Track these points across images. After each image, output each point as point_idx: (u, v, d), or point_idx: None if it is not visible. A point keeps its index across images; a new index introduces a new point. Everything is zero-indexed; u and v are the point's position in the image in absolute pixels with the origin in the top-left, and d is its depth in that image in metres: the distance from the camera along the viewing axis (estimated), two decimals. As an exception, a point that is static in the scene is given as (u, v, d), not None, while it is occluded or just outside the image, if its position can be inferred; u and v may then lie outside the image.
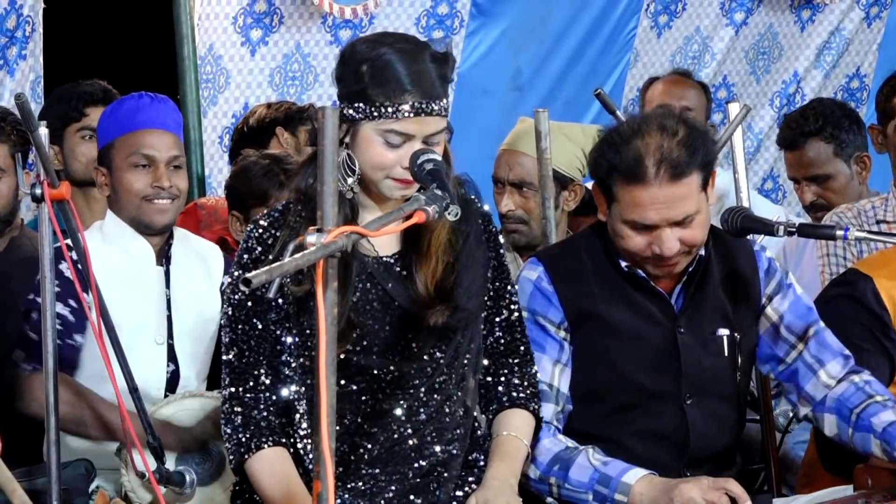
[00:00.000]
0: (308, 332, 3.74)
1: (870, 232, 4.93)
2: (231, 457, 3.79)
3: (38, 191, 4.03)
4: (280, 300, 3.76)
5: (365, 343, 3.76)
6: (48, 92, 6.42)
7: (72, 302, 4.55)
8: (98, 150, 4.90)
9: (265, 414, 3.78)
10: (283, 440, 3.77)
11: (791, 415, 4.94)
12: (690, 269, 4.17)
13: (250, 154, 5.62)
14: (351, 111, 3.69)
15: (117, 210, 4.83)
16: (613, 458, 4.03)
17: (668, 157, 4.00)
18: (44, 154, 4.08)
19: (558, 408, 4.13)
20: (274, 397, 3.79)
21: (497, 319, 3.98)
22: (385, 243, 3.81)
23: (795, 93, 8.48)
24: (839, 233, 4.21)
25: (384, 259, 3.82)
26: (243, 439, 3.75)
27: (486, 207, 4.01)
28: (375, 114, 3.66)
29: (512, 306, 4.00)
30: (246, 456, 3.75)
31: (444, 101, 3.73)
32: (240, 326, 3.79)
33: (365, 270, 3.78)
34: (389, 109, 3.66)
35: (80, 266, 4.22)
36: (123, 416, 4.11)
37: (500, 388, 3.98)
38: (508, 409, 3.96)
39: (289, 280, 3.65)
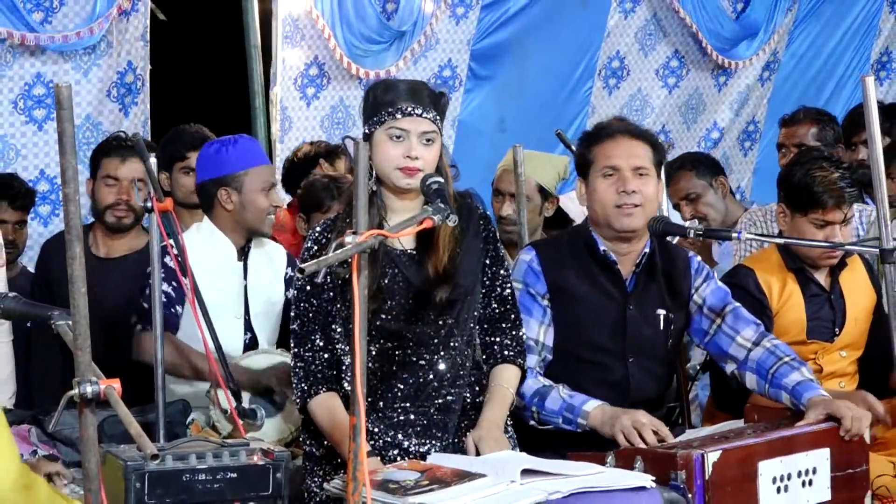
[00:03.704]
0: (349, 303, 3.76)
1: (757, 234, 5.00)
2: (297, 400, 3.82)
3: (148, 204, 4.11)
4: (331, 283, 3.78)
5: (394, 313, 3.77)
6: (153, 128, 6.52)
7: (174, 283, 4.59)
8: (213, 176, 4.87)
9: (320, 367, 3.79)
10: (334, 386, 3.80)
11: (699, 367, 5.00)
12: (640, 261, 4.23)
13: (316, 174, 5.76)
14: (367, 128, 3.78)
15: (233, 219, 4.84)
16: (577, 393, 4.07)
17: (629, 125, 4.24)
18: (153, 178, 4.15)
19: (539, 358, 4.16)
20: (326, 355, 3.80)
21: (493, 295, 3.96)
22: (407, 240, 3.81)
23: (719, 139, 8.57)
24: (734, 235, 4.24)
25: (408, 251, 3.83)
26: (304, 387, 3.80)
27: (487, 212, 4.03)
28: (383, 120, 3.73)
29: (504, 284, 3.98)
30: (308, 399, 3.80)
31: (434, 114, 3.76)
32: (302, 304, 3.82)
33: (392, 261, 3.80)
34: (390, 111, 3.73)
35: (179, 257, 4.29)
36: (212, 366, 4.15)
37: (495, 347, 3.97)
38: (501, 364, 3.97)
39: (337, 265, 3.73)
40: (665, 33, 8.23)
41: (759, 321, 4.30)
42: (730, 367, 4.27)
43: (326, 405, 3.79)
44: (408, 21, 7.22)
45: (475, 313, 3.94)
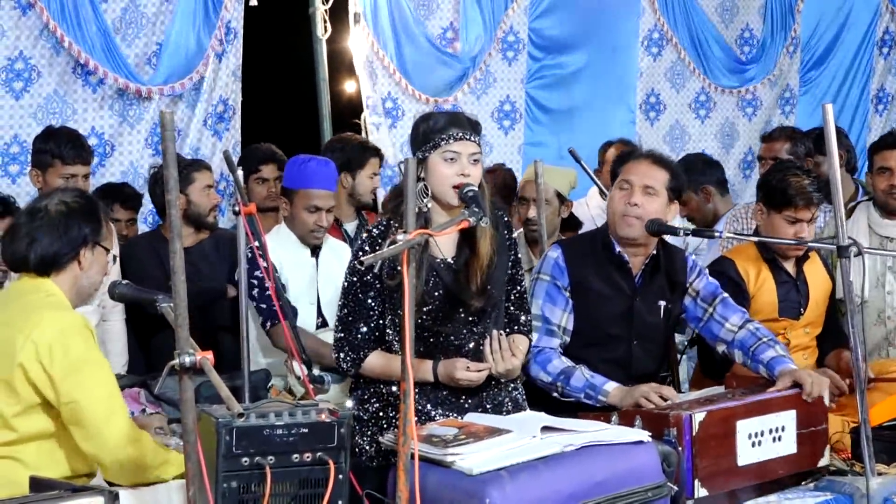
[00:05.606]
0: (393, 304, 3.68)
1: (736, 233, 4.95)
2: (350, 367, 3.75)
3: (236, 208, 4.10)
4: (378, 284, 3.71)
5: (433, 315, 3.70)
6: (243, 148, 6.58)
7: (256, 273, 4.58)
8: (284, 185, 4.91)
9: (361, 343, 3.72)
10: (378, 348, 3.74)
11: (686, 342, 4.96)
12: (647, 262, 4.18)
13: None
14: (419, 154, 3.70)
15: (291, 225, 4.88)
16: (596, 374, 4.03)
17: (653, 152, 4.21)
18: (240, 187, 4.14)
19: (560, 341, 4.14)
20: (368, 336, 3.73)
21: (512, 294, 3.91)
22: (447, 250, 3.74)
23: (752, 160, 8.32)
24: (717, 234, 4.23)
25: (447, 260, 3.75)
26: (353, 355, 3.73)
27: (508, 220, 3.95)
28: (438, 145, 3.66)
29: (519, 286, 3.92)
30: (360, 364, 3.74)
31: (477, 138, 3.70)
32: (349, 297, 3.75)
33: (434, 269, 3.72)
34: (443, 137, 3.65)
35: (261, 252, 4.25)
36: (288, 341, 4.15)
37: (514, 327, 3.91)
38: (517, 334, 3.89)
39: (386, 274, 3.68)
40: (692, 72, 8.15)
41: (743, 308, 4.28)
42: (720, 347, 4.24)
43: (378, 360, 3.73)
44: (469, 55, 7.21)
45: (499, 311, 3.88)
